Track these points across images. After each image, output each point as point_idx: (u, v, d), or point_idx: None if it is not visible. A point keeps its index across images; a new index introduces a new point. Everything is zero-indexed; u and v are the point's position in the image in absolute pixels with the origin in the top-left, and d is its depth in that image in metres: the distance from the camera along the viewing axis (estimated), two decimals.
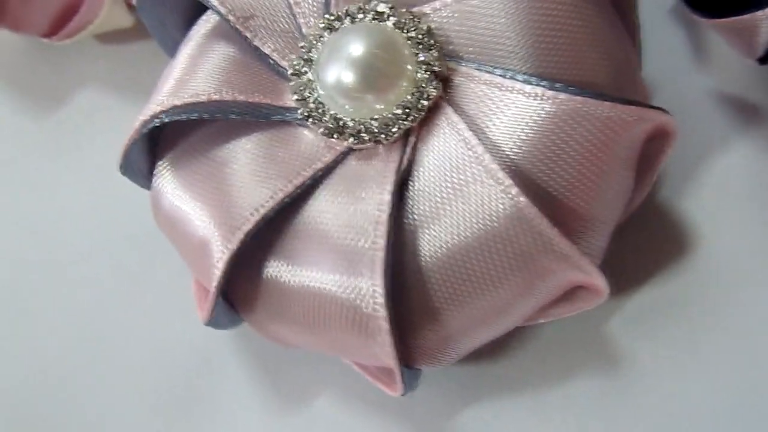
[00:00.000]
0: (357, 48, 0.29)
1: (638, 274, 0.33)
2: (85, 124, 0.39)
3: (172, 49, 0.34)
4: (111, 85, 0.39)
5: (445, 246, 0.28)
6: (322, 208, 0.29)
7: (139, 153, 0.32)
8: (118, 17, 0.36)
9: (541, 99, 0.28)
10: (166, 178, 0.31)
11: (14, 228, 0.38)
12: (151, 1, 0.33)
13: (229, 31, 0.31)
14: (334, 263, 0.28)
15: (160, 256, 0.36)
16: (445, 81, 0.29)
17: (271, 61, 0.30)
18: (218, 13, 0.30)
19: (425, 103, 0.28)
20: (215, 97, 0.29)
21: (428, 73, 0.29)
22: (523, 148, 0.28)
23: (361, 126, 0.29)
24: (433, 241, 0.28)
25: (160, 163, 0.32)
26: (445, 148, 0.29)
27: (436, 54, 0.29)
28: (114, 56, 0.40)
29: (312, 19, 0.30)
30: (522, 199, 0.27)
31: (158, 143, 0.32)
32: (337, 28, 0.30)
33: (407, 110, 0.28)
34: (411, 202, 0.29)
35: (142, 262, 0.36)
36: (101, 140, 0.39)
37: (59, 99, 0.39)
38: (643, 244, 0.33)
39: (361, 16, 0.29)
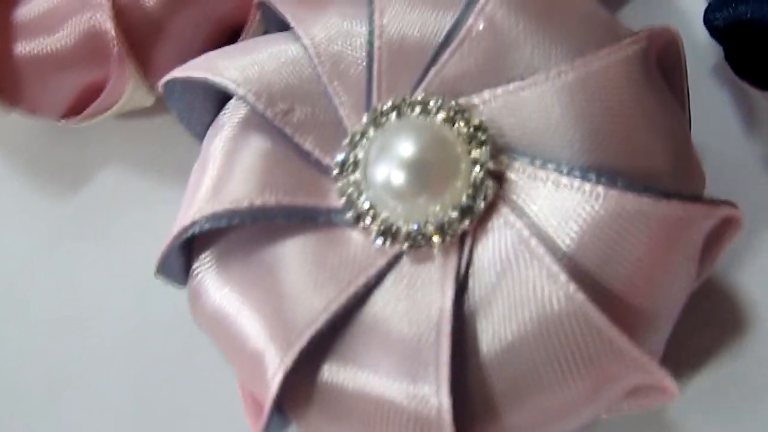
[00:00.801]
0: (407, 147, 0.27)
1: (696, 353, 0.32)
2: (110, 204, 0.38)
3: (201, 133, 0.33)
4: (134, 162, 0.38)
5: (504, 342, 0.27)
6: (378, 311, 0.28)
7: (175, 253, 0.30)
8: (139, 98, 0.35)
9: (600, 198, 0.26)
10: (208, 277, 0.30)
11: (45, 314, 0.37)
12: (180, 89, 0.31)
13: (264, 121, 0.30)
14: (396, 368, 0.27)
15: (195, 344, 0.35)
16: (499, 177, 0.28)
17: (314, 158, 0.29)
18: (256, 109, 0.29)
19: (482, 205, 0.27)
20: (257, 202, 0.28)
21: (482, 171, 0.27)
22: (581, 245, 0.27)
23: (416, 230, 0.28)
24: (493, 337, 0.27)
25: (200, 260, 0.30)
26: (502, 246, 0.27)
27: (489, 150, 0.28)
28: (135, 132, 0.38)
29: (354, 112, 0.29)
30: (580, 295, 0.26)
31: (195, 239, 0.31)
32: (383, 124, 0.28)
33: (464, 213, 0.27)
34: (469, 300, 0.28)
35: (177, 349, 0.35)
36: (128, 221, 0.37)
37: (81, 180, 0.38)
38: (698, 322, 0.32)
39: (407, 110, 0.28)
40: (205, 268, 0.30)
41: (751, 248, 0.33)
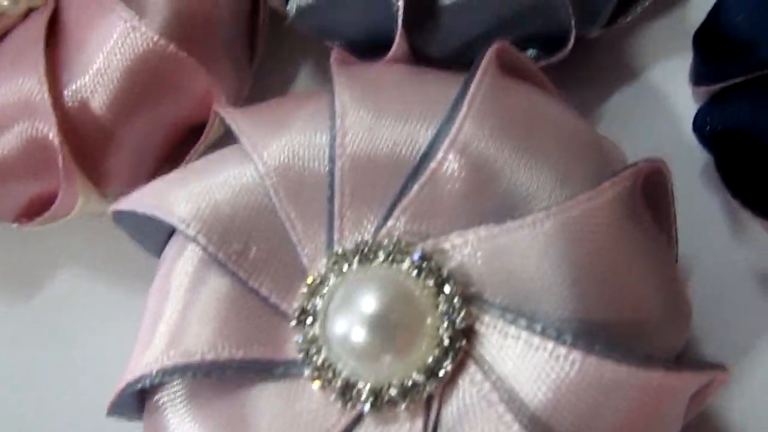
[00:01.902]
0: (369, 303, 0.25)
1: None
2: (66, 307, 0.36)
3: (156, 251, 0.31)
4: (90, 261, 0.36)
5: None
6: None
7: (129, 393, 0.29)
8: (94, 206, 0.33)
9: (576, 364, 0.24)
10: (173, 414, 0.28)
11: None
12: (131, 215, 0.29)
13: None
14: None
15: None
16: (468, 330, 0.26)
17: (271, 302, 0.27)
18: (208, 251, 0.27)
19: (450, 367, 0.25)
20: (209, 357, 0.26)
21: (450, 329, 0.26)
22: (555, 412, 0.25)
23: (378, 391, 0.26)
24: None
25: (161, 396, 0.28)
26: (469, 406, 0.26)
27: (458, 304, 0.26)
28: (91, 230, 0.36)
29: (313, 249, 0.27)
30: None
31: None
32: (344, 271, 0.26)
33: (430, 375, 0.25)
34: None
35: None
36: (86, 324, 0.35)
37: (36, 282, 0.36)
38: None
39: (371, 256, 0.26)
40: (170, 400, 0.28)
41: (742, 370, 0.31)
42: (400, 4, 0.31)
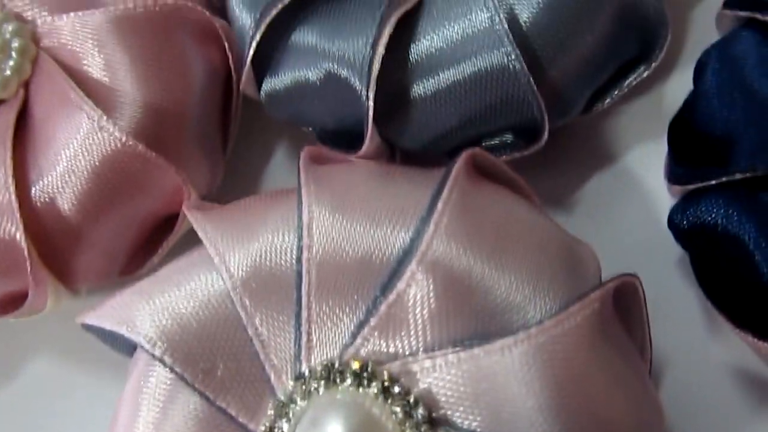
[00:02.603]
0: (335, 429, 0.25)
1: None
2: (40, 395, 0.35)
3: (128, 353, 0.30)
4: (65, 347, 0.36)
5: None
6: None
7: None
8: (65, 301, 0.33)
9: None
10: None
11: None
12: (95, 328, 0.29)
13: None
14: None
15: None
16: None
17: (239, 421, 0.27)
18: (174, 371, 0.27)
19: None
20: None
21: None
22: None
23: None
24: None
25: None
26: None
27: (425, 430, 0.25)
28: (66, 316, 0.36)
29: (282, 366, 0.27)
30: None
31: None
32: (311, 393, 0.26)
33: None
34: None
35: None
36: (60, 413, 0.35)
37: (9, 371, 0.36)
38: None
39: (338, 379, 0.26)
40: None
41: None
42: (370, 103, 0.30)
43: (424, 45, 0.32)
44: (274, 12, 0.32)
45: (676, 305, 0.33)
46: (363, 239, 0.28)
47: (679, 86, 0.35)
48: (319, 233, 0.28)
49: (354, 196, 0.29)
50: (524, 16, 0.31)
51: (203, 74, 0.34)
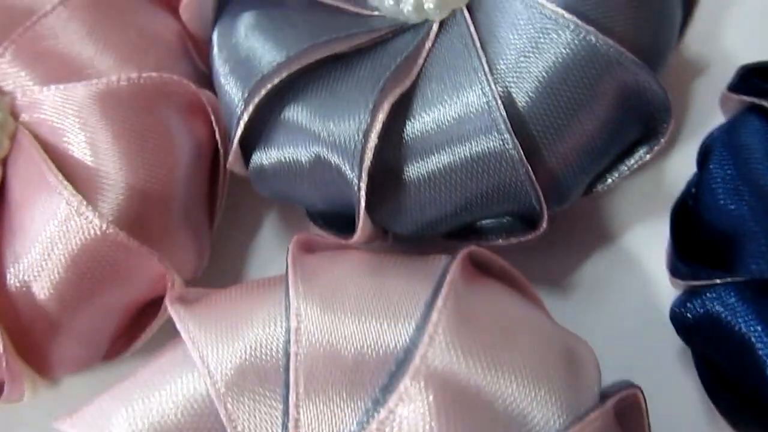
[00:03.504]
0: None
1: None
2: None
3: None
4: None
5: None
6: None
7: None
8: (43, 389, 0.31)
9: None
10: None
11: None
12: None
13: None
14: None
15: None
16: None
17: None
18: None
19: None
20: None
21: None
22: None
23: None
24: None
25: None
26: None
27: None
28: (48, 397, 0.35)
29: None
30: None
31: None
32: None
33: None
34: None
35: None
36: None
37: None
38: None
39: None
40: None
41: None
42: (362, 194, 0.29)
43: (417, 126, 0.30)
44: (263, 92, 0.30)
45: (675, 398, 0.31)
46: (354, 340, 0.27)
47: (680, 162, 0.34)
48: (308, 334, 0.27)
49: (345, 295, 0.27)
50: (521, 98, 0.30)
51: (189, 150, 0.32)
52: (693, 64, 0.36)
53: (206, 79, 0.35)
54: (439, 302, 0.26)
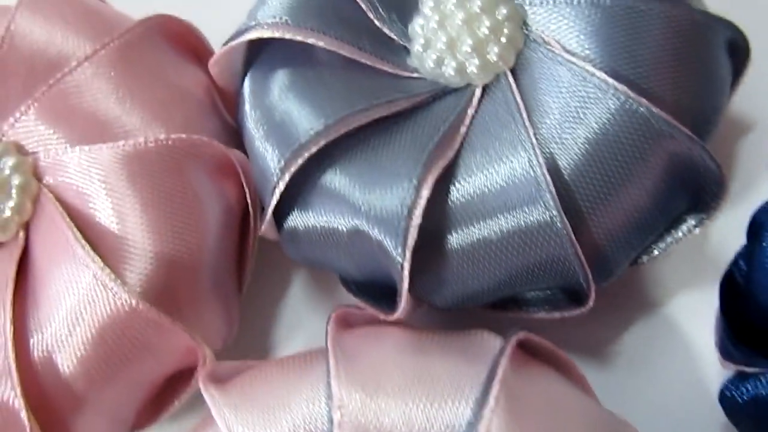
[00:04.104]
0: None
1: None
2: None
3: None
4: None
5: None
6: None
7: None
8: None
9: None
10: None
11: None
12: None
13: None
14: None
15: None
16: None
17: None
18: None
19: None
20: None
21: None
22: None
23: None
24: None
25: None
26: None
27: None
28: None
29: None
30: None
31: None
32: None
33: None
34: None
35: None
36: None
37: None
38: None
39: None
40: None
41: None
42: (406, 273, 0.28)
43: (459, 194, 0.29)
44: (300, 161, 0.29)
45: None
46: (399, 427, 0.26)
47: (725, 227, 0.33)
48: (352, 425, 0.26)
49: (388, 379, 0.26)
50: (565, 166, 0.28)
51: (219, 214, 0.31)
52: (738, 123, 0.35)
53: (234, 133, 0.34)
54: (491, 402, 0.25)
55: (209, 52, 0.35)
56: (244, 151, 0.33)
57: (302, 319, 0.34)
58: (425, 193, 0.28)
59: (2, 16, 0.33)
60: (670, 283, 0.33)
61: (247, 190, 0.32)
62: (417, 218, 0.27)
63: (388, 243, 0.28)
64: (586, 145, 0.29)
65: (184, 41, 0.35)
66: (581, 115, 0.29)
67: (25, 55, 0.32)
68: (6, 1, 0.34)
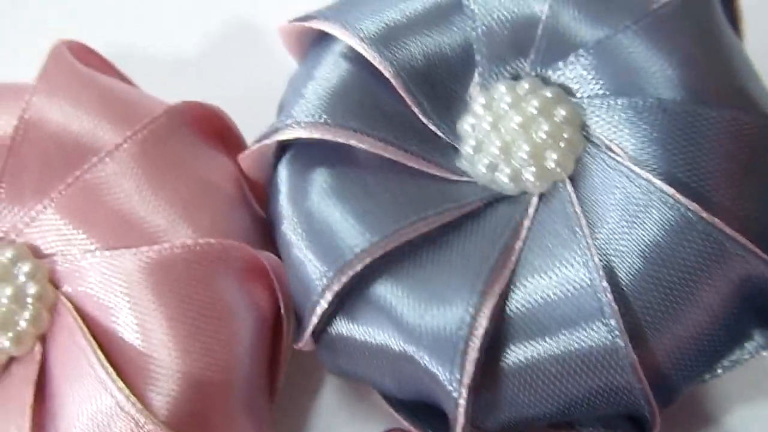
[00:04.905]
0: None
1: None
2: None
3: None
4: None
5: None
6: None
7: None
8: None
9: None
10: None
11: None
12: None
13: None
14: None
15: None
16: None
17: None
18: None
19: None
20: None
21: None
22: None
23: None
24: None
25: None
26: None
27: None
28: None
29: None
30: None
31: None
32: None
33: None
34: None
35: None
36: None
37: None
38: None
39: None
40: None
41: None
42: (462, 410, 0.25)
43: (514, 306, 0.27)
44: (344, 279, 0.27)
45: None
46: None
47: None
48: None
49: None
50: (622, 275, 0.26)
51: (250, 325, 0.29)
52: None
53: (263, 225, 0.32)
54: None
55: (237, 137, 0.33)
56: (275, 242, 0.31)
57: (334, 428, 0.32)
58: (483, 322, 0.25)
59: (16, 100, 0.31)
60: (727, 403, 0.31)
61: (281, 297, 0.29)
62: (474, 352, 0.25)
63: (442, 373, 0.26)
64: (644, 257, 0.27)
65: (210, 127, 0.32)
66: (640, 226, 0.27)
67: (42, 146, 0.30)
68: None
